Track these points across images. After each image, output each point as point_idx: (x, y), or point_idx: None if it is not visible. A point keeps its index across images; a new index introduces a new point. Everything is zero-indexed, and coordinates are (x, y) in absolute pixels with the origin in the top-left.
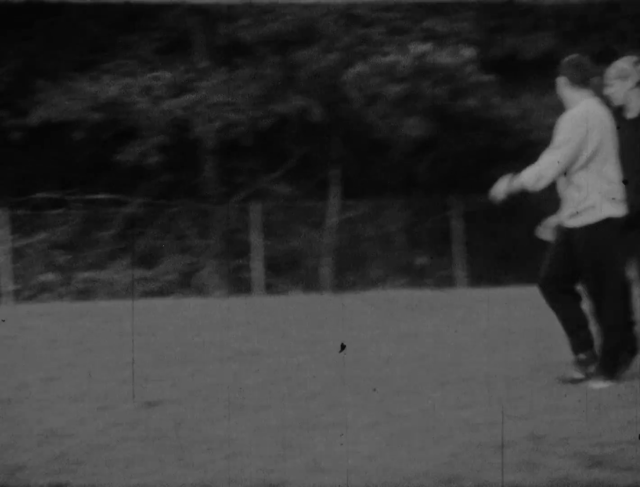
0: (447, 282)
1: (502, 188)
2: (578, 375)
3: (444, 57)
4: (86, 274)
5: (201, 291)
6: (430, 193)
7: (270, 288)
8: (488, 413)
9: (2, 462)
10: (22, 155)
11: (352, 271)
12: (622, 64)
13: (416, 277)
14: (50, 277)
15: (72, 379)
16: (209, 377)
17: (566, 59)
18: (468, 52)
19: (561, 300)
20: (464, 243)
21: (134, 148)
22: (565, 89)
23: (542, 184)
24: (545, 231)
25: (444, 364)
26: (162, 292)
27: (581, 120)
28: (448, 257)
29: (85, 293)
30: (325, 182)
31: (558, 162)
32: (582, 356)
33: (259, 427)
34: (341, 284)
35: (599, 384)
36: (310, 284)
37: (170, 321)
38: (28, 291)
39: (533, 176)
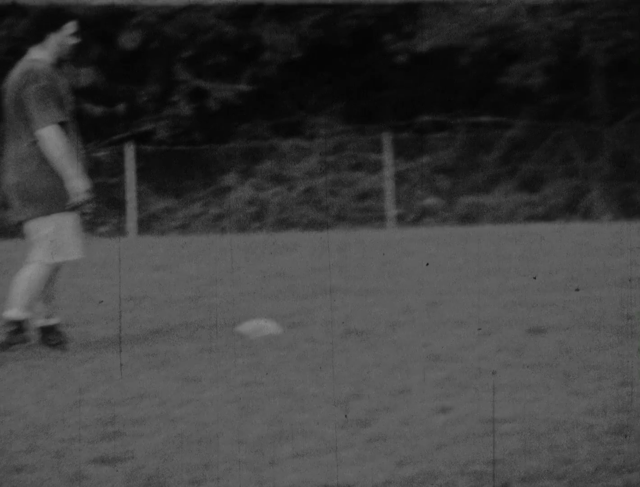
0: None
1: None
2: None
3: None
4: (469, 198)
5: (588, 215)
6: None
7: None
8: None
9: (390, 384)
10: (406, 79)
11: None
12: None
13: None
14: (433, 201)
15: (455, 304)
16: (596, 303)
17: None
18: None
19: None
20: None
21: (519, 69)
22: None
23: None
24: None
25: None
26: (547, 217)
27: None
28: None
29: (468, 217)
30: None
31: None
32: None
33: None
34: None
35: None
36: None
37: (556, 246)
38: (411, 214)
39: None
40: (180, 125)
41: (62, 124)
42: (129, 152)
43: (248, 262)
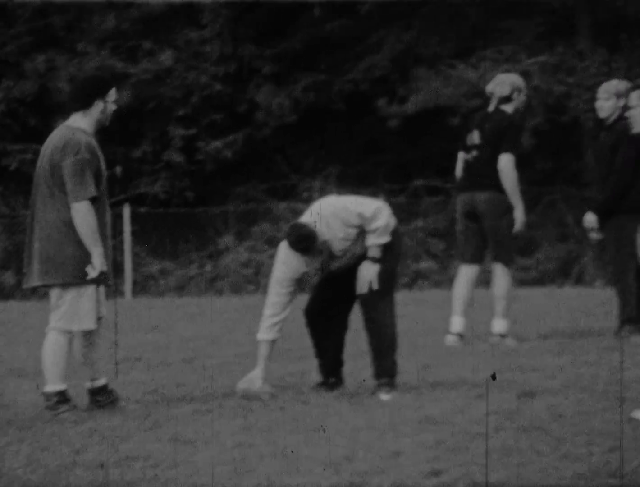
0: None
1: None
2: None
3: None
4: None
5: (580, 280)
6: None
7: None
8: None
9: (382, 446)
10: (400, 143)
11: None
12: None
13: None
14: (427, 264)
15: (447, 367)
16: (587, 368)
17: None
18: None
19: None
20: None
21: None
22: None
23: None
24: None
25: None
26: (539, 281)
27: None
28: None
29: None
30: None
31: None
32: None
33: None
34: None
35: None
36: None
37: (548, 310)
38: (405, 278)
39: None
40: (175, 186)
41: (95, 198)
42: (125, 214)
43: (243, 324)
